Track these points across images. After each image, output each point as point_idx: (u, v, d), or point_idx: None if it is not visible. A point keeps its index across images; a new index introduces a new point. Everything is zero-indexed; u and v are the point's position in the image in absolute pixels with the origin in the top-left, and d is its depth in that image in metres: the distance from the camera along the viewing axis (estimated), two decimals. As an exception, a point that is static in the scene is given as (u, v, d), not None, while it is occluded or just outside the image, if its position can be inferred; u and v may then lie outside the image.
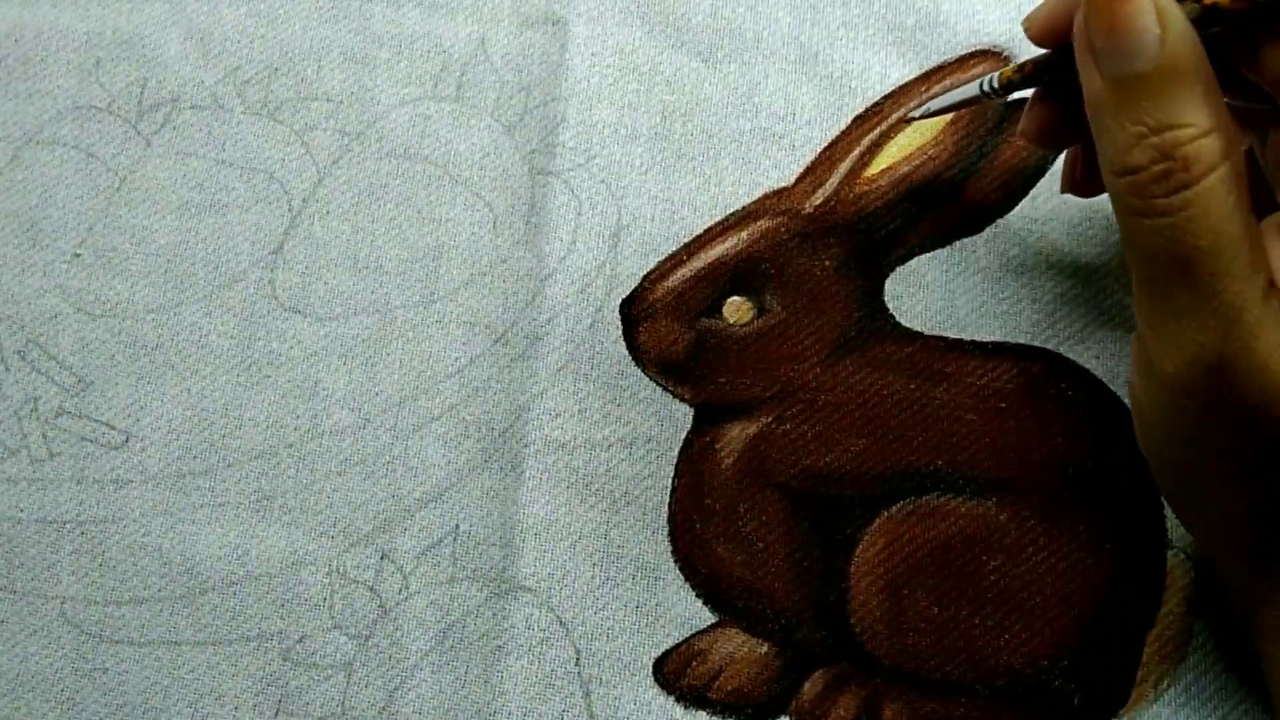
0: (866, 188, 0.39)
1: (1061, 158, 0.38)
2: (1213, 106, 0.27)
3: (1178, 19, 0.27)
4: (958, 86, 0.39)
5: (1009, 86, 0.33)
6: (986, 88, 0.34)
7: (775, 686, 0.37)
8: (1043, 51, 0.32)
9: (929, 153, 0.39)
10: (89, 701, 0.38)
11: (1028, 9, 0.40)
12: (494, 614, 0.38)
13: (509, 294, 0.40)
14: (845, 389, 0.38)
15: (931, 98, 0.40)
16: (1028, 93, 0.34)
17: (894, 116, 0.40)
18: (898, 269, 0.39)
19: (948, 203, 0.39)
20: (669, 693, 0.37)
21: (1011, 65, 0.33)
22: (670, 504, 0.38)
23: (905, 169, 0.39)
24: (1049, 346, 0.39)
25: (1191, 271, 0.28)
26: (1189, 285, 0.28)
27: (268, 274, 0.40)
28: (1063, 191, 0.37)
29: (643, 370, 0.39)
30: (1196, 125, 0.27)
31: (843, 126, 0.40)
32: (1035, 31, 0.32)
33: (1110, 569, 0.37)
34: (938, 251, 0.39)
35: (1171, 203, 0.27)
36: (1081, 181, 0.35)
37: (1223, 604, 0.35)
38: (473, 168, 0.41)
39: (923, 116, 0.38)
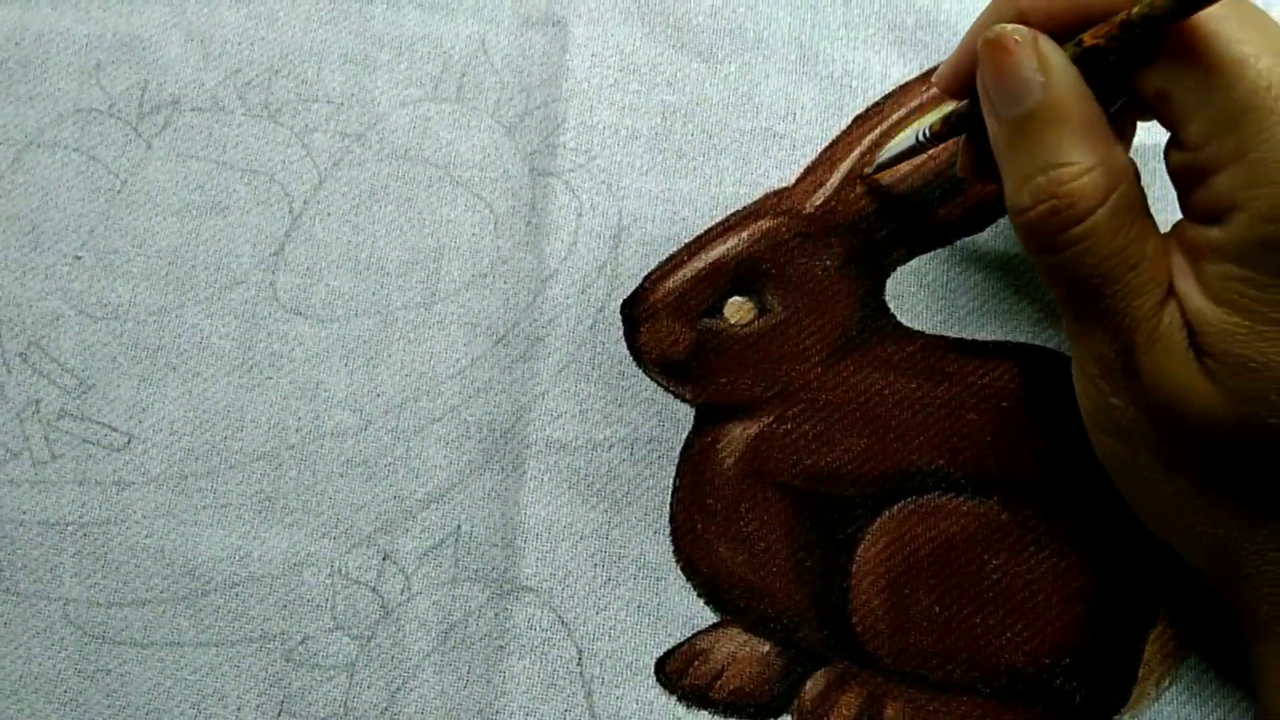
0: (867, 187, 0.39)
1: None
2: (1096, 143, 0.29)
3: (1059, 64, 0.29)
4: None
5: (939, 136, 0.35)
6: (921, 137, 0.36)
7: (777, 686, 0.37)
8: (961, 106, 0.34)
9: (930, 152, 0.39)
10: (91, 703, 0.38)
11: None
12: (496, 614, 0.38)
13: (510, 295, 0.40)
14: (846, 389, 0.38)
15: (931, 99, 0.40)
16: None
17: (894, 117, 0.40)
18: (899, 269, 0.39)
19: (948, 202, 0.39)
20: (671, 692, 0.37)
21: (938, 116, 0.35)
22: (672, 504, 0.38)
23: (906, 168, 0.39)
24: (1050, 345, 0.39)
25: (1094, 294, 0.30)
26: (1094, 305, 0.31)
27: (269, 276, 0.40)
28: (958, 174, 0.38)
29: (644, 371, 0.39)
30: (1079, 163, 0.29)
31: (843, 126, 0.40)
32: (942, 86, 0.34)
33: (1111, 568, 0.37)
34: (938, 251, 0.39)
35: (1065, 239, 0.30)
36: (975, 171, 0.36)
37: (1220, 603, 0.35)
38: (473, 169, 0.41)
39: (874, 173, 0.39)
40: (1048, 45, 0.30)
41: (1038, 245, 0.31)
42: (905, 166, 0.39)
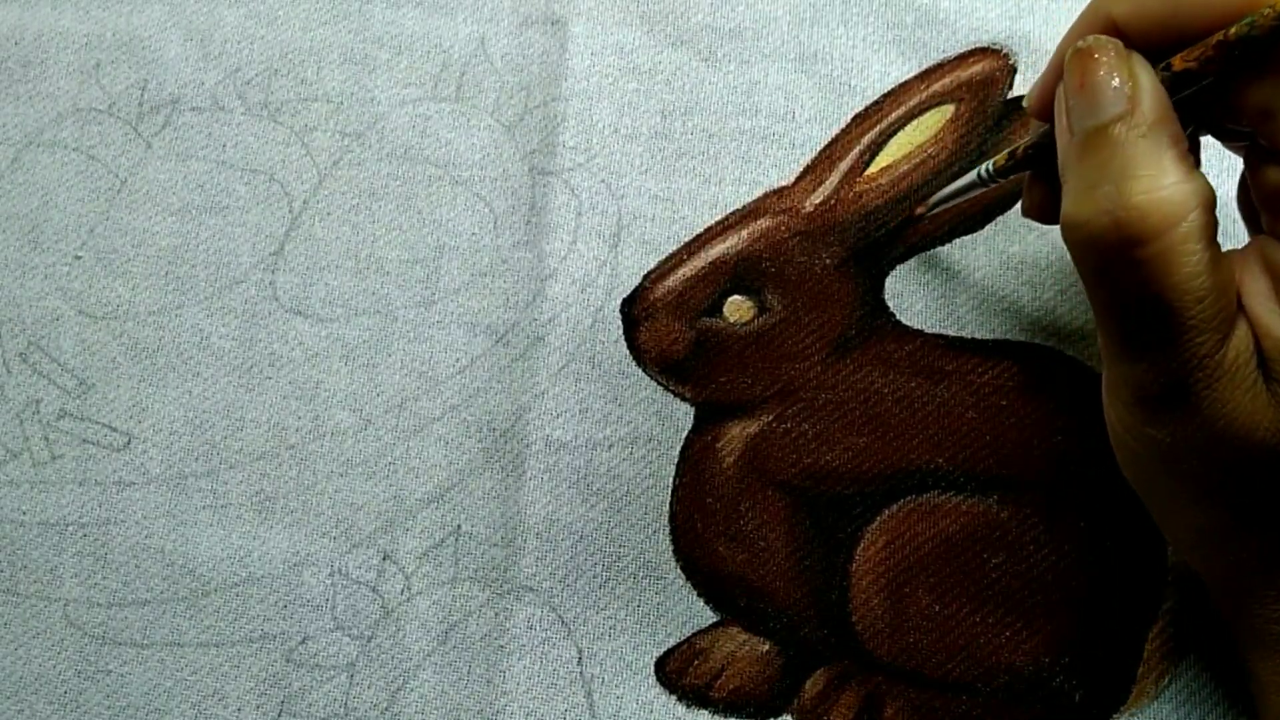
0: (866, 186, 0.39)
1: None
2: (1177, 162, 0.27)
3: (1146, 78, 0.28)
4: (957, 84, 0.40)
5: (1004, 170, 0.34)
6: (984, 173, 0.34)
7: (777, 685, 0.37)
8: (1029, 138, 0.33)
9: (929, 151, 0.39)
10: (92, 703, 0.38)
11: (1026, 6, 0.40)
12: (496, 614, 0.38)
13: (510, 294, 0.40)
14: (846, 387, 0.38)
15: (932, 96, 0.40)
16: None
17: (893, 116, 0.40)
18: (898, 268, 0.39)
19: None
20: (671, 692, 0.37)
21: (1005, 151, 0.34)
22: (671, 503, 0.38)
23: (905, 168, 0.39)
24: (1049, 344, 0.39)
25: (1150, 324, 0.28)
26: (1149, 333, 0.28)
27: (269, 275, 0.40)
28: (1024, 214, 0.36)
29: (643, 370, 0.39)
30: (1154, 177, 0.27)
31: (842, 125, 0.40)
32: (1034, 108, 0.32)
33: (1111, 566, 0.37)
34: (938, 250, 0.39)
35: (1127, 259, 0.27)
36: (1044, 210, 0.35)
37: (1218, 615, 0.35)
38: (473, 168, 0.41)
39: (928, 211, 0.38)
40: (1138, 59, 0.28)
41: (1094, 262, 0.28)
42: (905, 165, 0.39)
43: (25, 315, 0.40)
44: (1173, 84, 0.28)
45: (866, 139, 0.40)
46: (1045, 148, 0.31)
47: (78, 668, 0.38)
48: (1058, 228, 0.39)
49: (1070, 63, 0.29)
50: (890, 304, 0.39)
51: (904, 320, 0.39)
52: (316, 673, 0.38)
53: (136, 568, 0.39)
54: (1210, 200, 0.28)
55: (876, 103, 0.40)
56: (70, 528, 0.39)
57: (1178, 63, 0.28)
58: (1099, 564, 0.37)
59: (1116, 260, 0.28)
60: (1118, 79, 0.28)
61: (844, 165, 0.40)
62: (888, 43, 0.41)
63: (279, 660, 0.38)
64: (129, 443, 0.39)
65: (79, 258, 0.41)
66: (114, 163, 0.41)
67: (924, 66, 0.41)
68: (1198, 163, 0.31)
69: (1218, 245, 0.28)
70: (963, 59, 0.40)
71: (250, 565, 0.39)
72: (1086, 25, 0.30)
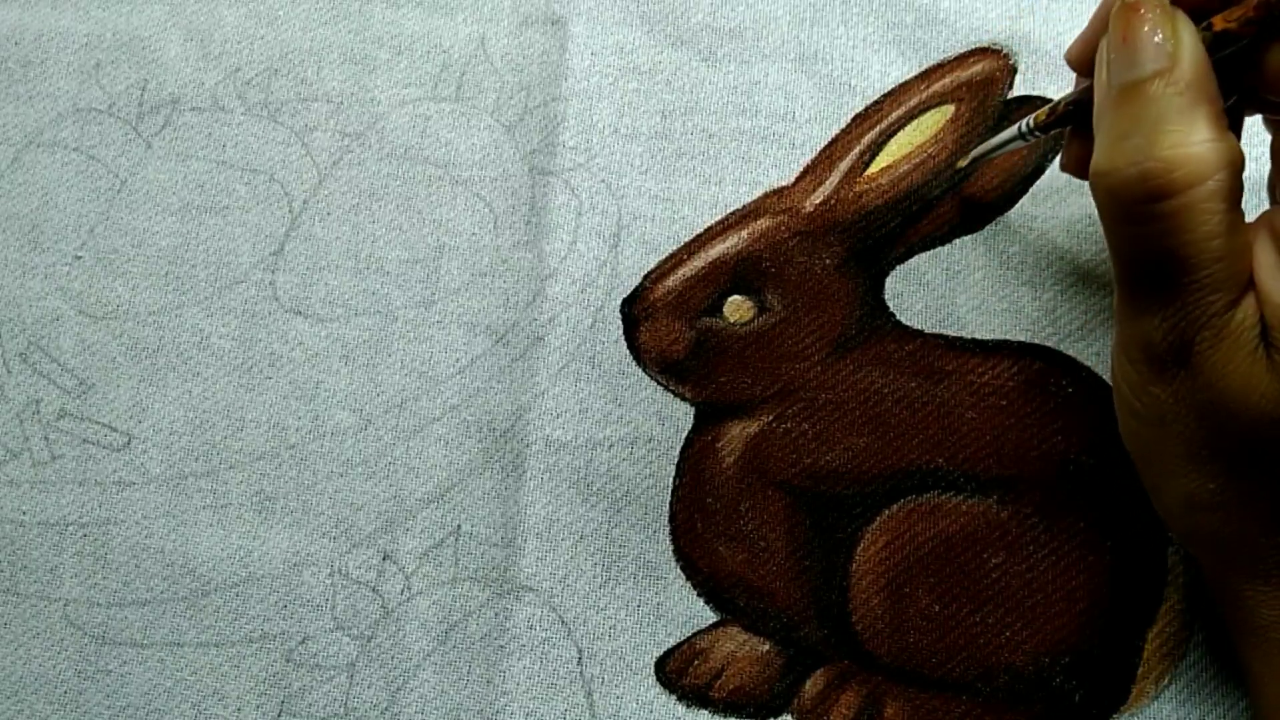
0: (866, 186, 0.39)
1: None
2: (1209, 122, 0.28)
3: (1188, 36, 0.28)
4: (957, 84, 0.40)
5: (1045, 126, 0.34)
6: (1024, 128, 0.35)
7: (777, 685, 0.37)
8: (1070, 93, 0.33)
9: (929, 151, 0.39)
10: (92, 703, 0.38)
11: (1026, 6, 0.40)
12: (496, 614, 0.38)
13: (510, 294, 0.40)
14: (846, 387, 0.38)
15: (932, 96, 0.40)
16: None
17: (893, 116, 0.40)
18: (898, 267, 0.39)
19: (947, 201, 0.39)
20: (671, 692, 0.37)
21: (1046, 107, 0.34)
22: (672, 503, 0.38)
23: (905, 167, 0.39)
24: (1049, 344, 0.39)
25: (1165, 279, 0.29)
26: (1163, 288, 0.29)
27: (269, 275, 0.40)
28: (1062, 169, 0.36)
29: (644, 370, 0.39)
30: (1185, 132, 0.27)
31: (842, 125, 0.40)
32: (1075, 60, 0.33)
33: (1111, 566, 0.37)
34: (938, 250, 0.39)
35: (1152, 211, 0.28)
36: (1081, 165, 0.35)
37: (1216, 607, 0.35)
38: (473, 168, 0.41)
39: (970, 165, 0.38)
40: (1182, 18, 0.28)
41: (1118, 212, 0.29)
42: (905, 165, 0.39)
43: (25, 315, 0.40)
44: (1212, 44, 0.28)
45: (866, 139, 0.40)
46: (1085, 104, 0.31)
47: (78, 668, 0.38)
48: (1058, 228, 0.39)
49: (1115, 17, 0.29)
50: (890, 304, 0.39)
51: (904, 320, 0.39)
52: (316, 673, 0.38)
53: (136, 568, 0.39)
54: (1238, 163, 0.28)
55: (876, 103, 0.40)
56: (70, 528, 0.39)
57: (1218, 23, 0.28)
58: (1099, 564, 0.37)
59: (1140, 212, 0.28)
60: (1160, 35, 0.28)
61: (844, 165, 0.40)
62: (888, 43, 0.41)
63: (279, 660, 0.38)
64: (129, 443, 0.39)
65: (79, 258, 0.41)
66: (114, 163, 0.41)
67: (924, 66, 0.41)
68: (1238, 136, 0.32)
69: (1240, 211, 0.29)
70: (963, 59, 0.40)
71: (250, 565, 0.39)
72: None
